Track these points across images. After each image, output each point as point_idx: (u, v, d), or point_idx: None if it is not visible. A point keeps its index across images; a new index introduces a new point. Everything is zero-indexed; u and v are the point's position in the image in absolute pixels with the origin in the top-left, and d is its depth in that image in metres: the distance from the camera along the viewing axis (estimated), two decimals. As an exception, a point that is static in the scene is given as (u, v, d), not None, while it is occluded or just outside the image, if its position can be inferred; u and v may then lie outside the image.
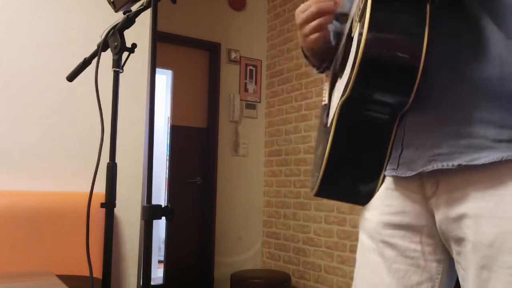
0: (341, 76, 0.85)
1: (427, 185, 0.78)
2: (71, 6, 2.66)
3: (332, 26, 0.97)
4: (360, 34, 0.68)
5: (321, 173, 0.81)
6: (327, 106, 0.96)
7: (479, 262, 0.70)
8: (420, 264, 0.80)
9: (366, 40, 0.65)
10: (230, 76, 4.26)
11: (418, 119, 0.75)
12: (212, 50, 4.23)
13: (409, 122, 0.76)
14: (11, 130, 2.48)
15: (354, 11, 0.82)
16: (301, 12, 0.95)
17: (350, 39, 0.81)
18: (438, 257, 0.80)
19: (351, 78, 0.68)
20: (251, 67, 4.38)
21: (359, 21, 0.73)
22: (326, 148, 0.81)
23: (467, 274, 0.73)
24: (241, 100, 4.27)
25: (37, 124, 2.54)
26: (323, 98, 1.00)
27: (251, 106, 4.33)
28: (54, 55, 2.58)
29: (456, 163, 0.71)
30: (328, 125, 0.86)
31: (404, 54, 0.67)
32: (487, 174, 0.70)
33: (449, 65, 0.73)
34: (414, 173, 0.76)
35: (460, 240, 0.74)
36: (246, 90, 4.34)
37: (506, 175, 0.69)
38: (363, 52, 0.65)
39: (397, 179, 0.82)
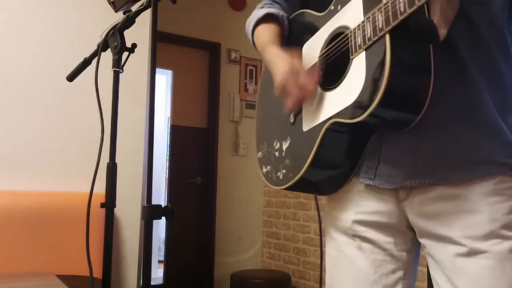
0: (327, 89, 0.90)
1: (400, 190, 0.87)
2: (71, 6, 2.66)
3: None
4: (375, 69, 0.74)
5: (298, 176, 0.91)
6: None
7: (454, 252, 0.80)
8: (394, 254, 0.90)
9: (389, 77, 0.71)
10: (230, 76, 4.26)
11: (398, 137, 0.84)
12: (212, 50, 4.23)
13: (388, 139, 0.85)
14: (11, 130, 2.47)
15: (349, 25, 0.85)
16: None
17: (344, 57, 0.85)
18: (408, 247, 0.90)
19: (364, 108, 0.75)
20: (251, 67, 4.38)
21: (366, 50, 0.78)
22: (301, 153, 0.91)
23: (441, 266, 0.83)
24: (241, 100, 4.27)
25: (37, 124, 2.54)
26: None
27: (251, 106, 4.33)
28: (54, 55, 2.58)
29: (431, 181, 0.81)
30: (305, 130, 0.94)
31: (416, 90, 0.76)
32: (456, 184, 0.81)
33: (433, 93, 0.79)
34: (393, 186, 0.85)
35: (432, 235, 0.83)
36: (246, 90, 4.34)
37: (472, 180, 0.80)
38: (385, 90, 0.72)
39: (373, 186, 0.89)
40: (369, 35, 0.76)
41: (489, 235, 0.77)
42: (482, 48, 0.82)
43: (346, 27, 0.85)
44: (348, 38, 0.84)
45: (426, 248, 0.87)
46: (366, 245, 0.90)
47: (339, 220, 0.95)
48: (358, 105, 0.77)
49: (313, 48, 0.97)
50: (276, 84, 0.94)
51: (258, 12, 1.10)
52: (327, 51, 0.93)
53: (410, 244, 0.90)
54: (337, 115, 0.83)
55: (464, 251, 0.79)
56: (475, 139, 0.80)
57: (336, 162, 0.91)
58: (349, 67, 0.82)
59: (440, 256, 0.82)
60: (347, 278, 0.93)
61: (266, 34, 1.06)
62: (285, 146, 1.01)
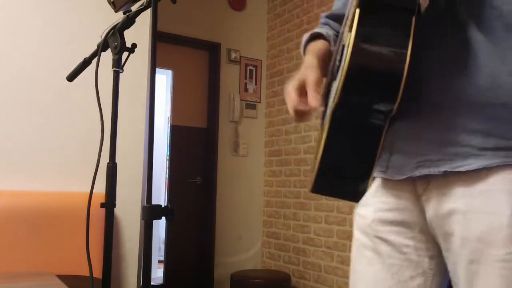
0: (336, 80, 0.88)
1: (418, 184, 0.82)
2: (71, 6, 2.66)
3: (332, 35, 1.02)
4: (348, 45, 0.71)
5: (315, 172, 0.86)
6: (325, 109, 0.98)
7: (468, 256, 0.74)
8: (413, 260, 0.84)
9: (352, 49, 0.68)
10: (230, 76, 4.26)
11: (407, 126, 0.79)
12: (212, 50, 4.23)
13: (399, 128, 0.80)
14: (11, 130, 2.47)
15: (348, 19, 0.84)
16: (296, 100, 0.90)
17: (343, 46, 0.84)
18: (431, 253, 0.84)
19: (339, 85, 0.72)
20: (251, 67, 4.38)
21: (349, 31, 0.76)
22: (319, 149, 0.86)
23: (456, 269, 0.78)
24: (241, 100, 4.27)
25: (37, 124, 2.54)
26: None
27: (251, 106, 4.33)
28: (54, 55, 2.58)
29: (442, 169, 0.76)
30: (324, 127, 0.90)
31: (388, 64, 0.71)
32: (474, 176, 0.75)
33: (438, 75, 0.76)
34: (403, 177, 0.81)
35: (448, 236, 0.78)
36: (246, 90, 4.34)
37: (492, 173, 0.74)
38: (349, 61, 0.69)
39: (389, 181, 0.86)
40: (350, 16, 0.75)
41: (507, 241, 0.71)
42: (501, 22, 0.75)
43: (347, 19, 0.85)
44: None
45: (444, 253, 0.81)
46: (384, 248, 0.86)
47: (361, 217, 0.92)
48: (337, 88, 0.74)
49: (339, 49, 0.97)
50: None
51: (306, 36, 1.10)
52: (342, 45, 0.92)
53: (433, 250, 0.84)
54: (333, 100, 0.80)
55: (479, 257, 0.73)
56: (493, 124, 0.74)
57: (350, 155, 0.85)
58: (344, 52, 0.80)
59: (457, 259, 0.77)
60: (364, 281, 0.89)
61: (309, 51, 1.03)
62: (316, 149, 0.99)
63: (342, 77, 0.70)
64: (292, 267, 3.89)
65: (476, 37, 0.75)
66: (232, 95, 4.22)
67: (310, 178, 0.98)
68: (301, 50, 1.09)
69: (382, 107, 0.75)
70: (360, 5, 0.69)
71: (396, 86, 0.71)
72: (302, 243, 3.81)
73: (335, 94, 0.76)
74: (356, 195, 0.91)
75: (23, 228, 2.33)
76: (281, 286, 3.57)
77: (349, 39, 0.70)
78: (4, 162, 2.44)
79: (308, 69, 0.89)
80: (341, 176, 0.89)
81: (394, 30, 0.71)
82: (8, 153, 2.45)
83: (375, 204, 0.88)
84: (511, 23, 0.74)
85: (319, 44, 1.02)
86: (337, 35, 1.04)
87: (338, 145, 0.83)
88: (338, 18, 1.07)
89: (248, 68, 4.37)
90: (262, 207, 4.30)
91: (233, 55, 4.25)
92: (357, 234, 0.92)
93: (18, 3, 2.54)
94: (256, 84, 4.40)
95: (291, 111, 0.91)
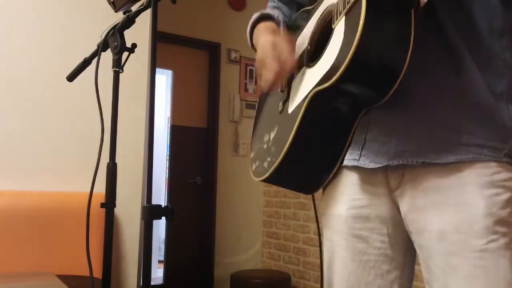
0: (310, 66, 0.88)
1: (391, 178, 0.84)
2: (71, 6, 2.66)
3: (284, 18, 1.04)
4: (351, 30, 0.72)
5: (279, 159, 0.86)
6: (286, 94, 0.99)
7: (447, 249, 0.76)
8: (388, 254, 0.86)
9: (360, 38, 0.69)
10: (230, 76, 4.26)
11: (386, 118, 0.82)
12: (212, 50, 4.23)
13: (375, 119, 0.83)
14: (11, 130, 2.48)
15: (335, 1, 0.84)
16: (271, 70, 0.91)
17: (328, 29, 0.84)
18: (405, 246, 0.86)
19: (337, 70, 0.73)
20: (251, 67, 4.38)
21: (346, 14, 0.76)
22: (284, 135, 0.86)
23: (429, 264, 0.79)
24: (241, 100, 4.27)
25: (37, 124, 2.54)
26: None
27: (251, 106, 4.33)
28: (54, 55, 2.58)
29: (420, 160, 0.78)
30: (290, 112, 0.90)
31: (390, 59, 0.73)
32: (449, 168, 0.78)
33: (423, 74, 0.79)
34: (378, 165, 0.82)
35: (421, 232, 0.80)
36: (246, 90, 4.34)
37: (465, 168, 0.77)
38: (355, 51, 0.69)
39: (362, 174, 0.87)
40: (344, 4, 0.76)
41: (484, 231, 0.73)
42: (474, 32, 0.80)
43: (333, 4, 0.84)
44: (332, 11, 0.83)
45: (417, 249, 0.83)
46: (359, 245, 0.87)
47: (333, 216, 0.92)
48: (333, 69, 0.75)
49: (305, 35, 0.96)
50: (256, 57, 0.94)
51: (255, 15, 1.11)
52: (314, 30, 0.92)
53: (407, 243, 0.86)
54: (317, 84, 0.80)
55: (457, 249, 0.75)
56: (466, 122, 0.78)
57: (320, 144, 0.86)
58: (331, 36, 0.81)
59: (431, 254, 0.79)
60: (341, 280, 0.90)
61: (262, 29, 1.06)
62: (272, 135, 0.97)
63: (346, 63, 0.70)
64: (292, 267, 3.89)
65: (459, 42, 0.79)
66: (232, 95, 4.23)
67: (260, 165, 0.98)
68: (248, 29, 1.10)
69: (372, 97, 0.77)
70: None
71: (393, 80, 0.73)
72: (302, 243, 3.81)
73: (328, 78, 0.75)
74: (310, 188, 0.93)
75: (23, 228, 2.33)
76: (281, 286, 3.57)
77: (356, 27, 0.70)
78: (4, 162, 2.44)
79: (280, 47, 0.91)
80: (305, 167, 0.89)
81: (397, 25, 0.72)
82: (8, 153, 2.45)
83: (348, 202, 0.89)
84: (486, 34, 0.80)
85: (270, 25, 1.04)
86: (287, 21, 1.06)
87: (310, 132, 0.84)
88: (291, 2, 1.09)
89: (248, 68, 4.37)
90: (262, 207, 4.30)
91: (233, 55, 4.25)
92: (329, 235, 0.93)
93: (18, 3, 2.54)
94: (256, 84, 4.39)
95: (270, 77, 0.90)
